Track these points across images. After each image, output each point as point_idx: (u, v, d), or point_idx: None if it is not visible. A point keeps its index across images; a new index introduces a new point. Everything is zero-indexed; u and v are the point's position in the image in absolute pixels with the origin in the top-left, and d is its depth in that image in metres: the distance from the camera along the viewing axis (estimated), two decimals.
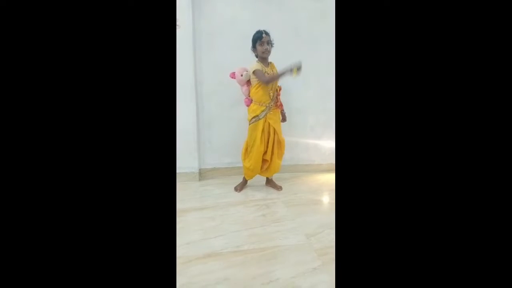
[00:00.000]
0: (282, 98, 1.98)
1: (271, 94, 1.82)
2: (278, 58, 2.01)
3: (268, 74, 1.78)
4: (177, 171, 2.11)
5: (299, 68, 1.60)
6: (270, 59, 1.86)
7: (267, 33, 1.76)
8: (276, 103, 1.86)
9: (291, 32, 2.23)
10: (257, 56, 1.82)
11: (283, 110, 1.95)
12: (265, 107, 1.83)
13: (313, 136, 2.44)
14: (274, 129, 1.87)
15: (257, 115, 1.84)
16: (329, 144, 2.47)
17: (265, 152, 1.92)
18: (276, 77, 1.74)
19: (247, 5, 2.15)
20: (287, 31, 2.22)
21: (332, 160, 2.49)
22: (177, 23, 1.98)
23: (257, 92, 1.82)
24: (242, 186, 2.01)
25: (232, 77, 1.95)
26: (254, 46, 1.80)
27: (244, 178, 2.03)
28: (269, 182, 2.07)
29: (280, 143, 1.92)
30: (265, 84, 1.77)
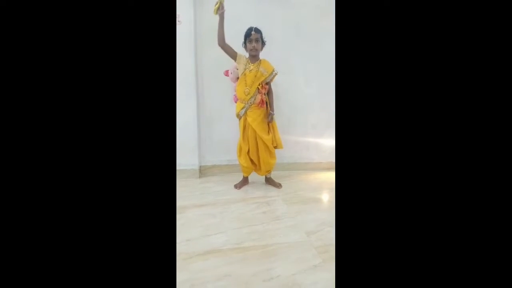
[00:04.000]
0: (283, 96, 1.98)
1: (247, 90, 1.80)
2: (279, 55, 2.01)
3: (251, 71, 1.78)
4: (177, 168, 2.11)
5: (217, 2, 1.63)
6: (268, 56, 1.85)
7: (257, 31, 1.75)
8: (255, 101, 1.80)
9: (292, 29, 2.23)
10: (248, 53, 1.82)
11: (268, 110, 1.86)
12: (244, 104, 1.82)
13: (314, 135, 2.45)
14: (253, 128, 1.83)
15: (238, 113, 1.85)
16: (329, 142, 2.47)
17: (248, 151, 1.89)
18: (219, 26, 1.71)
19: (249, 1, 2.14)
20: (289, 28, 2.22)
21: (331, 158, 2.50)
22: (179, 19, 1.97)
23: (237, 88, 1.83)
24: (242, 184, 2.01)
25: (226, 75, 1.96)
26: (245, 43, 1.80)
27: (244, 176, 2.03)
28: (269, 180, 2.06)
29: (264, 142, 1.86)
30: (220, 42, 1.74)
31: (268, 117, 1.87)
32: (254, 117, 1.83)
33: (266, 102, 1.85)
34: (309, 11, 2.22)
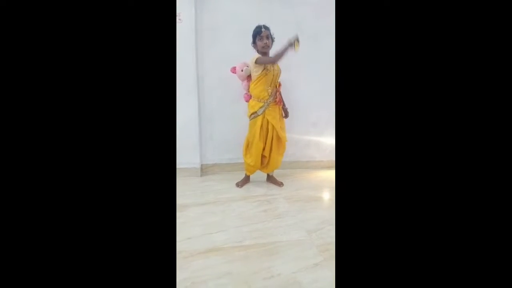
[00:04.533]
0: (283, 94, 1.98)
1: (270, 90, 1.81)
2: None
3: (269, 71, 1.77)
4: (179, 166, 2.11)
5: (298, 40, 1.53)
6: (271, 54, 1.85)
7: (266, 28, 1.75)
8: (275, 99, 1.84)
9: (293, 27, 2.21)
10: (258, 52, 1.80)
11: (284, 106, 1.94)
12: (263, 103, 1.82)
13: (315, 133, 2.44)
14: (273, 126, 1.85)
15: (256, 111, 1.83)
16: (330, 140, 2.47)
17: (264, 148, 1.90)
18: (281, 52, 1.58)
19: (250, 1, 2.14)
20: (289, 26, 2.20)
21: (332, 157, 2.49)
22: (179, 17, 1.97)
23: (255, 88, 1.81)
24: (244, 182, 2.02)
25: (233, 72, 1.95)
26: (254, 42, 1.79)
27: (246, 174, 2.03)
28: (270, 178, 2.07)
29: (279, 140, 1.90)
30: (272, 63, 1.73)
31: (285, 113, 1.95)
32: (274, 115, 1.85)
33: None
34: (309, 8, 2.21)
